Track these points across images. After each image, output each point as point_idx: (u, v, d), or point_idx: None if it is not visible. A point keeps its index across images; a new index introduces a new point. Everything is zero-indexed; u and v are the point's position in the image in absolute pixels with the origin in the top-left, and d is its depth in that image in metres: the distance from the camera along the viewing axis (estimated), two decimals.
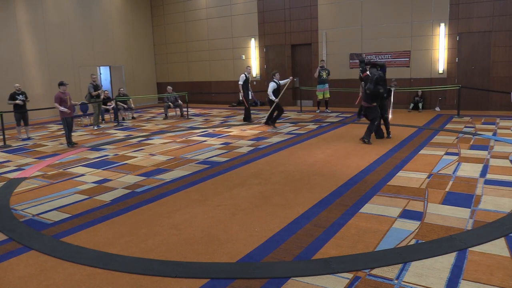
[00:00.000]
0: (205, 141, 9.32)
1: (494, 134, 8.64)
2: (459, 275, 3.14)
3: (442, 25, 12.68)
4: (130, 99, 14.05)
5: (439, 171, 6.02)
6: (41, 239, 4.15)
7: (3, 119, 9.74)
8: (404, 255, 3.48)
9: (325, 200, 4.96)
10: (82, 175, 6.70)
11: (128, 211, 4.88)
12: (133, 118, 14.16)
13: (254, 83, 15.99)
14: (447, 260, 3.37)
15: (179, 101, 14.13)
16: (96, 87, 12.25)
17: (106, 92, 13.25)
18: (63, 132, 9.55)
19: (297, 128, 10.69)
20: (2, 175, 6.91)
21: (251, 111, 12.58)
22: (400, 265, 3.31)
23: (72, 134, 10.41)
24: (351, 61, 14.32)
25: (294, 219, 4.42)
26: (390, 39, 13.52)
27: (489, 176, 5.68)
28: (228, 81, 17.34)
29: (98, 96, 12.24)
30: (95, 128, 12.09)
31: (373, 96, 8.06)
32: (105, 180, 6.30)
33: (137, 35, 18.64)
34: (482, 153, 6.98)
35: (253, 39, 16.38)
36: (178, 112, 14.28)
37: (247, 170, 6.58)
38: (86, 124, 13.19)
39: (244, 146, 8.56)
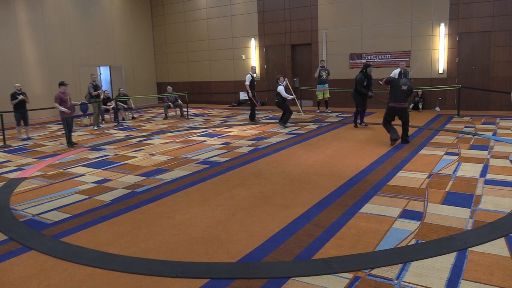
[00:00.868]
0: (205, 141, 9.32)
1: (494, 134, 8.64)
2: (459, 275, 3.14)
3: (442, 25, 12.68)
4: (130, 99, 14.05)
5: (439, 171, 6.02)
6: (41, 239, 4.15)
7: (3, 119, 9.74)
8: (404, 255, 3.48)
9: (325, 200, 4.96)
10: (82, 175, 6.70)
11: (128, 211, 4.88)
12: (133, 118, 14.16)
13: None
14: (447, 260, 3.37)
15: (179, 101, 14.14)
16: (96, 87, 12.26)
17: (106, 92, 13.26)
18: (63, 132, 9.55)
19: (297, 128, 10.69)
20: (2, 175, 6.91)
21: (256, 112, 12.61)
22: (400, 265, 3.31)
23: (72, 134, 10.42)
24: (351, 61, 14.32)
25: (294, 219, 4.41)
26: (390, 39, 13.52)
27: (489, 176, 5.68)
28: (228, 81, 17.35)
29: (98, 96, 12.25)
30: (95, 128, 12.09)
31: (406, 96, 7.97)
32: (105, 180, 6.30)
33: (137, 35, 18.64)
34: (482, 153, 6.98)
35: (253, 39, 16.38)
36: (178, 112, 14.28)
37: (247, 170, 6.58)
38: (86, 124, 13.19)
39: (244, 146, 8.57)
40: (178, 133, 10.64)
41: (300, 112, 13.35)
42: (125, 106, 13.79)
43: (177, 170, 6.73)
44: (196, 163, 7.17)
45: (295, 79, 15.94)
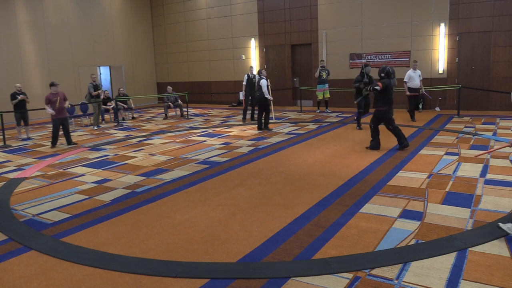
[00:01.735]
0: (205, 141, 9.32)
1: (494, 134, 8.64)
2: (459, 275, 3.14)
3: (442, 25, 12.68)
4: (130, 99, 14.05)
5: (439, 171, 6.02)
6: (41, 239, 4.15)
7: (3, 119, 9.74)
8: (404, 255, 3.48)
9: (325, 200, 4.96)
10: (82, 175, 6.70)
11: (128, 211, 4.88)
12: (133, 118, 14.16)
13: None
14: (447, 260, 3.37)
15: (179, 101, 14.13)
16: (96, 87, 12.26)
17: (106, 92, 13.26)
18: (61, 132, 9.51)
19: (297, 128, 10.69)
20: (2, 175, 6.91)
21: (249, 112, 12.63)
22: (400, 265, 3.31)
23: (72, 134, 10.43)
24: (351, 61, 14.32)
25: (294, 219, 4.41)
26: (390, 39, 13.52)
27: (489, 176, 5.68)
28: (228, 81, 17.34)
29: (98, 96, 12.25)
30: (95, 128, 12.09)
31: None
32: (105, 180, 6.30)
33: (137, 35, 18.63)
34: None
35: (253, 39, 16.37)
36: (178, 112, 14.28)
37: (247, 170, 6.58)
38: (86, 124, 13.19)
39: (244, 146, 8.56)
40: (178, 133, 10.64)
41: (272, 118, 11.99)
42: (125, 106, 13.79)
43: (177, 170, 6.73)
44: (196, 163, 7.17)
45: (295, 79, 15.94)
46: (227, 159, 7.42)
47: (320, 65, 13.46)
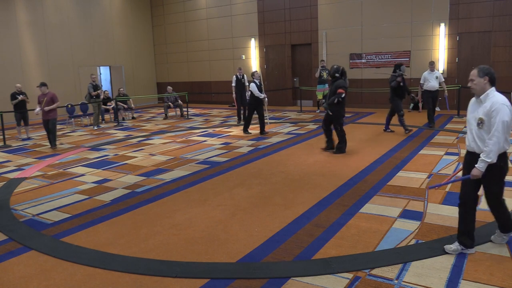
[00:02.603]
0: (205, 141, 9.32)
1: None
2: (459, 275, 3.14)
3: (442, 25, 12.68)
4: (130, 99, 14.05)
5: (439, 171, 6.02)
6: (41, 239, 4.15)
7: (3, 119, 9.74)
8: (404, 255, 3.48)
9: (325, 200, 4.96)
10: (82, 175, 6.70)
11: (128, 211, 4.88)
12: (133, 118, 14.16)
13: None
14: (447, 260, 3.37)
15: (179, 101, 14.14)
16: (96, 87, 12.26)
17: (106, 92, 13.25)
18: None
19: (297, 128, 10.69)
20: (2, 175, 6.91)
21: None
22: (400, 265, 3.31)
23: (72, 134, 10.44)
24: (351, 61, 14.32)
25: (294, 219, 4.42)
26: (390, 39, 13.52)
27: None
28: (228, 81, 17.25)
29: (97, 96, 12.25)
30: (95, 128, 12.09)
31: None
32: (105, 180, 6.30)
33: (137, 35, 18.63)
34: None
35: (253, 39, 16.37)
36: (178, 112, 14.28)
37: (247, 170, 6.58)
38: (86, 124, 13.18)
39: (244, 146, 8.56)
40: (178, 133, 10.64)
41: (266, 117, 11.32)
42: (125, 106, 13.79)
43: (177, 170, 6.73)
44: (196, 163, 7.17)
45: (295, 79, 15.94)
46: (227, 159, 7.42)
47: (321, 65, 13.45)
